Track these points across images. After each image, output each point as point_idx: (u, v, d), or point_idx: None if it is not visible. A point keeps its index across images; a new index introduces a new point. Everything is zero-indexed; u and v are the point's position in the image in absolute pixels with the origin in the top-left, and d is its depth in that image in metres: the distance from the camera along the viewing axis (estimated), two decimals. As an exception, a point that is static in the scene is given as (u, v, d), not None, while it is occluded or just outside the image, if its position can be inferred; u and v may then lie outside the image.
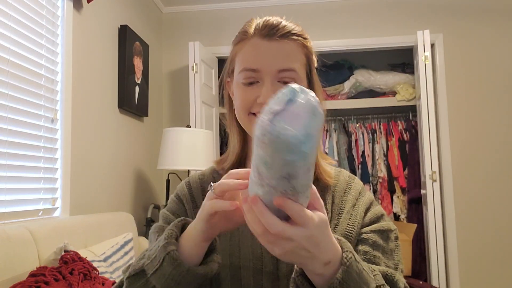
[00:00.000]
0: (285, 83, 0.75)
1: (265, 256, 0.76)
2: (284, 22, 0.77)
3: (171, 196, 0.87)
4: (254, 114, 0.77)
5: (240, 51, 0.79)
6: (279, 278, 0.74)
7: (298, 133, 0.46)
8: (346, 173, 0.87)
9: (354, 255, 0.60)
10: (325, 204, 0.80)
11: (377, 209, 0.81)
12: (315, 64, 0.83)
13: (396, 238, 0.79)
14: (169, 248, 0.63)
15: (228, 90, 0.86)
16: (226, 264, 0.76)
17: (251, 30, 0.78)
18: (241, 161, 0.85)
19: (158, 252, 0.64)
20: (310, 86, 0.82)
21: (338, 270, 0.57)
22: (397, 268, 0.75)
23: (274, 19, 0.77)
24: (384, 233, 0.77)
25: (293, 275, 0.62)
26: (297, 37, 0.77)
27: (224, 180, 0.60)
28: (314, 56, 0.82)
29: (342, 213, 0.79)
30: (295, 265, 0.62)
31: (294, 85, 0.50)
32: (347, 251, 0.59)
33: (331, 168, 0.85)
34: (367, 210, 0.80)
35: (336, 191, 0.82)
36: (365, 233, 0.77)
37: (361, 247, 0.75)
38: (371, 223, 0.78)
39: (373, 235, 0.76)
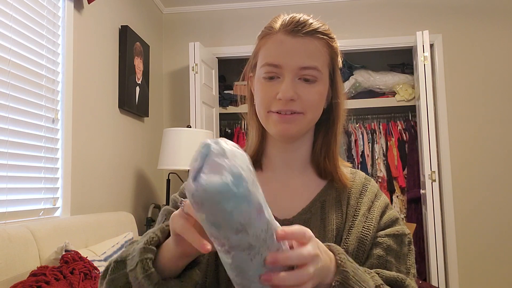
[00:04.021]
0: (306, 80, 0.75)
1: None
2: (310, 20, 0.76)
3: (175, 195, 0.86)
4: (273, 112, 0.76)
5: (264, 46, 0.78)
6: None
7: (224, 178, 0.45)
8: (362, 174, 0.86)
9: (346, 256, 0.61)
10: (341, 206, 0.80)
11: (392, 213, 0.81)
12: (340, 65, 0.82)
13: (410, 242, 0.78)
14: (144, 255, 0.60)
15: (250, 85, 0.85)
16: None
17: (277, 26, 0.77)
18: (258, 156, 0.84)
19: (136, 253, 0.62)
20: (332, 86, 0.81)
21: (335, 273, 0.59)
22: (409, 272, 0.75)
23: (301, 15, 0.77)
24: (399, 238, 0.77)
25: None
26: (322, 36, 0.76)
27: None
28: (339, 56, 0.81)
29: (357, 216, 0.78)
30: None
31: (208, 140, 0.49)
32: (339, 253, 0.61)
33: (347, 170, 0.85)
34: (382, 213, 0.79)
35: (352, 192, 0.82)
36: (380, 237, 0.76)
37: (375, 251, 0.75)
38: (386, 227, 0.78)
39: (387, 239, 0.76)
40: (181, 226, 0.54)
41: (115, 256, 0.68)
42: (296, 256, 0.53)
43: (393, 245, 0.75)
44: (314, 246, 0.54)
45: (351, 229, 0.77)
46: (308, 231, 0.54)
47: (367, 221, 0.77)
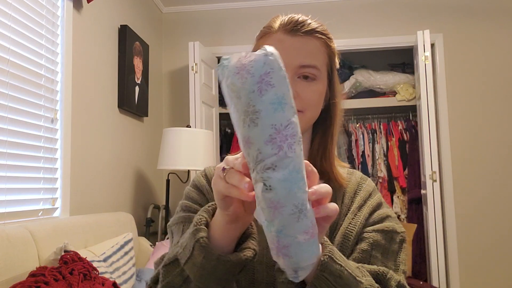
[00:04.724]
0: (305, 78, 0.75)
1: None
2: (309, 20, 0.77)
3: (188, 188, 0.84)
4: None
5: (262, 45, 0.78)
6: None
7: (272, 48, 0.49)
8: (358, 174, 0.86)
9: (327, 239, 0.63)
10: None
11: (384, 210, 0.80)
12: (337, 66, 0.82)
13: (402, 241, 0.77)
14: (198, 235, 0.60)
15: None
16: None
17: (276, 25, 0.78)
18: None
19: (188, 240, 0.62)
20: (330, 86, 0.81)
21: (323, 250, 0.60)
22: (398, 269, 0.74)
23: (299, 16, 0.78)
24: (388, 234, 0.76)
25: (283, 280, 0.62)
26: (321, 36, 0.77)
27: (236, 177, 0.53)
28: (336, 57, 0.82)
29: (347, 214, 0.79)
30: (278, 279, 0.63)
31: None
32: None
33: (344, 171, 0.85)
34: (373, 211, 0.79)
35: (346, 192, 0.82)
36: (366, 232, 0.76)
37: (359, 246, 0.74)
38: (375, 224, 0.77)
39: (374, 234, 0.75)
40: (225, 186, 0.54)
41: (156, 268, 0.68)
42: (325, 188, 0.54)
43: (380, 241, 0.75)
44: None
45: (339, 227, 0.77)
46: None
47: (355, 218, 0.78)
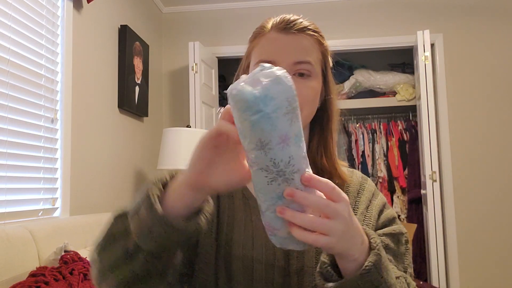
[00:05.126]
0: (301, 75, 0.76)
1: (277, 250, 0.75)
2: (300, 19, 0.78)
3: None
4: None
5: (256, 46, 0.79)
6: (290, 274, 0.74)
7: (256, 91, 0.48)
8: (358, 173, 0.87)
9: (380, 241, 0.60)
10: None
11: (390, 212, 0.81)
12: (330, 64, 0.83)
13: (406, 241, 0.78)
14: (151, 191, 0.58)
15: None
16: (239, 255, 0.75)
17: (269, 26, 0.79)
18: None
19: (141, 195, 0.60)
20: (325, 83, 0.82)
21: (368, 255, 0.58)
22: (406, 271, 0.75)
23: (291, 15, 0.79)
24: (395, 237, 0.77)
25: (318, 269, 0.61)
26: (313, 33, 0.78)
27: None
28: (329, 55, 0.82)
29: (356, 214, 0.78)
30: (322, 257, 0.61)
31: (265, 64, 0.51)
32: (373, 237, 0.59)
33: (344, 170, 0.85)
34: (380, 212, 0.80)
35: (349, 191, 0.82)
36: (378, 235, 0.76)
37: None
38: (384, 226, 0.78)
39: (385, 238, 0.76)
40: (229, 127, 0.52)
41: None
42: (315, 200, 0.51)
43: (390, 244, 0.75)
44: (344, 208, 0.52)
45: None
46: (341, 192, 0.52)
47: (366, 219, 0.78)
